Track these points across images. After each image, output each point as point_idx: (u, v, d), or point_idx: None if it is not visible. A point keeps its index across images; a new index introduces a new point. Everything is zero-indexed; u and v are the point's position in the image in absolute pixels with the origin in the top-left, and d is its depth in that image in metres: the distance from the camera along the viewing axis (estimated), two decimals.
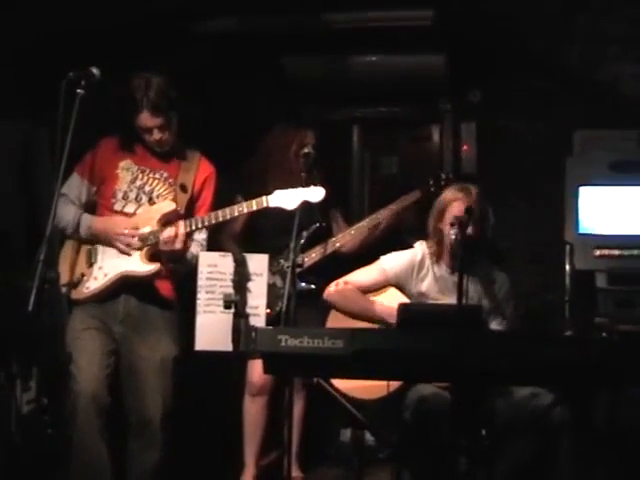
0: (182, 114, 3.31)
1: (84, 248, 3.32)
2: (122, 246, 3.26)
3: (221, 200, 3.44)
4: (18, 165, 3.93)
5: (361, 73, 4.42)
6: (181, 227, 3.20)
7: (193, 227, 3.24)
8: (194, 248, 3.33)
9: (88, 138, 3.24)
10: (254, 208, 3.22)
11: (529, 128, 4.38)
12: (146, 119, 3.23)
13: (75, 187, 3.33)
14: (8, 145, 3.88)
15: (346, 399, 3.13)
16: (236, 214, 3.25)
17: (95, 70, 3.01)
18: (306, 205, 3.17)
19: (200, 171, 3.40)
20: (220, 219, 3.25)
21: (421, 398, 3.03)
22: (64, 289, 3.26)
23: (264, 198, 3.20)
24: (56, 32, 3.78)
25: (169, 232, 3.19)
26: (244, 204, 3.23)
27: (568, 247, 4.00)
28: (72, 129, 2.90)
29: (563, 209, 4.02)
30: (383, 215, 3.85)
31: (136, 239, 3.24)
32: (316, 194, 3.18)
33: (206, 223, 3.26)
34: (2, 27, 3.64)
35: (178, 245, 3.19)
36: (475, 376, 2.52)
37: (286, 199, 3.17)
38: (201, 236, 3.36)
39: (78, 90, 2.96)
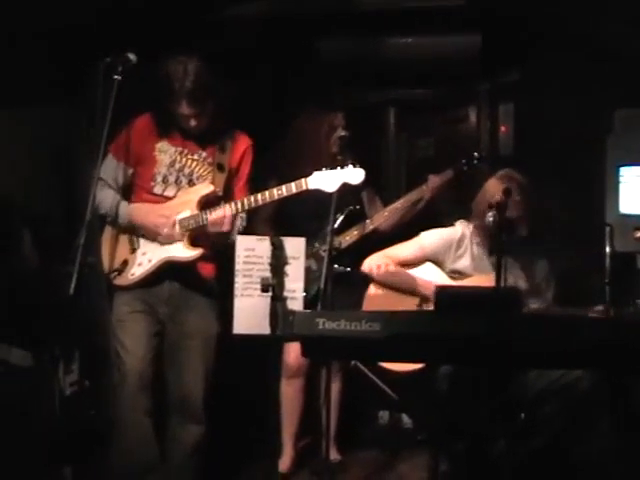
0: (218, 96, 3.28)
1: (125, 233, 3.34)
2: (163, 240, 3.26)
3: (255, 183, 3.45)
4: (55, 150, 3.98)
5: (396, 55, 4.38)
6: (228, 209, 3.19)
7: (239, 209, 3.23)
8: (235, 222, 3.32)
9: (121, 117, 3.23)
10: (294, 190, 3.19)
11: (568, 108, 4.32)
12: (183, 108, 3.21)
13: (111, 169, 3.32)
14: (45, 130, 3.92)
15: (382, 372, 3.13)
16: (276, 197, 3.21)
17: (132, 55, 3.03)
18: (345, 187, 3.14)
19: (236, 146, 3.38)
20: (260, 202, 3.22)
21: (454, 372, 3.02)
22: (109, 275, 3.28)
23: (303, 180, 3.17)
24: (90, 15, 3.79)
25: (217, 214, 3.19)
26: (284, 187, 3.20)
27: (608, 229, 3.94)
28: (109, 114, 2.92)
29: (603, 190, 3.96)
30: (417, 195, 3.83)
31: (177, 228, 3.24)
32: (356, 175, 3.15)
33: (252, 205, 3.23)
34: (35, 11, 3.66)
35: (226, 227, 3.19)
36: (512, 359, 2.51)
37: (325, 181, 3.14)
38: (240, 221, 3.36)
39: (115, 76, 2.98)
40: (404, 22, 4.24)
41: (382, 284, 3.41)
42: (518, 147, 4.41)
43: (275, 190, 3.21)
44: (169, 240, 3.25)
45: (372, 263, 3.44)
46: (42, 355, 3.34)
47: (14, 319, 3.38)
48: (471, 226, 3.41)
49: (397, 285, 3.36)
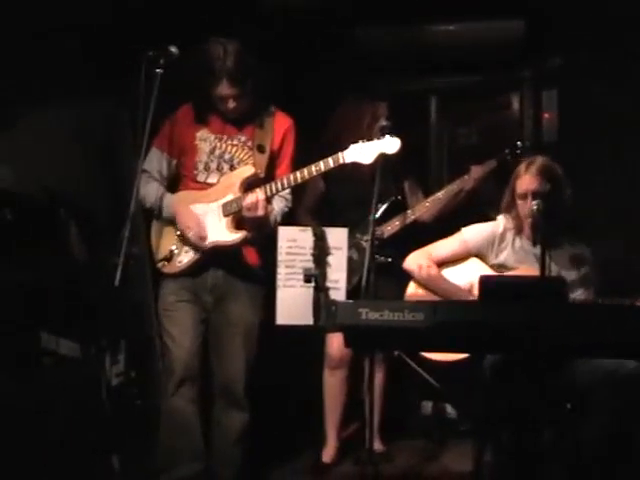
0: (258, 78, 3.26)
1: (171, 224, 3.34)
2: (196, 241, 3.27)
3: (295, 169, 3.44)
4: (100, 144, 4.02)
5: (438, 42, 4.35)
6: (260, 194, 3.19)
7: (273, 191, 3.22)
8: (277, 204, 3.32)
9: (164, 109, 3.25)
10: (331, 165, 3.15)
11: (613, 93, 4.23)
12: (223, 88, 3.20)
13: (155, 161, 3.36)
14: (91, 126, 3.97)
15: (425, 363, 3.11)
16: (314, 173, 3.18)
17: (174, 49, 3.04)
18: (383, 161, 3.10)
19: (277, 127, 3.36)
20: (299, 180, 3.20)
21: (498, 360, 3.00)
22: (158, 264, 3.31)
23: (340, 154, 3.14)
24: (133, 9, 3.82)
25: (250, 199, 3.18)
26: (320, 162, 3.16)
27: None
28: (153, 108, 2.94)
29: None
30: (458, 185, 3.80)
31: (220, 214, 3.25)
32: (392, 145, 3.12)
33: (285, 186, 3.22)
34: (79, 5, 3.70)
35: (260, 212, 3.18)
36: (557, 349, 2.48)
37: (362, 153, 3.11)
38: (285, 191, 3.32)
39: (157, 70, 3.00)
40: (446, 8, 4.20)
41: (422, 285, 3.38)
42: (562, 133, 4.34)
43: (313, 166, 3.18)
44: (201, 243, 3.25)
45: (414, 262, 3.41)
46: (89, 346, 3.40)
47: (63, 311, 3.44)
48: (511, 218, 3.36)
49: (437, 291, 3.34)
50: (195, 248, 3.28)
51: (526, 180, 3.27)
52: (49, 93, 3.74)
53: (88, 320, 3.40)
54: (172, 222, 3.33)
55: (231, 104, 3.25)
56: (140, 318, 3.35)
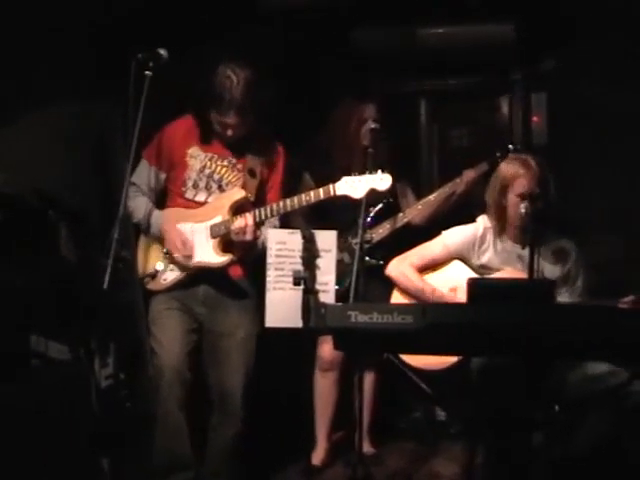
0: (260, 106, 3.27)
1: (159, 240, 3.36)
2: (182, 260, 3.29)
3: (288, 177, 3.45)
4: (92, 147, 4.01)
5: (428, 45, 4.35)
6: (249, 218, 3.20)
7: (262, 217, 3.24)
8: (266, 229, 3.33)
9: (153, 117, 3.25)
10: (321, 197, 3.19)
11: (606, 95, 4.24)
12: (228, 117, 3.22)
13: (144, 175, 3.37)
14: (84, 128, 3.96)
15: (414, 371, 3.12)
16: (304, 204, 3.22)
17: (163, 51, 3.04)
18: (372, 193, 3.13)
19: (268, 153, 3.39)
20: (288, 208, 3.23)
21: (484, 363, 3.00)
22: (143, 280, 3.33)
23: (331, 186, 3.17)
24: (132, 9, 3.81)
25: (239, 223, 3.20)
26: (311, 193, 3.20)
27: None
28: (142, 111, 2.94)
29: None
30: (451, 188, 3.80)
31: (207, 235, 3.26)
32: (384, 182, 3.14)
33: (275, 213, 3.25)
34: (72, 7, 3.69)
35: (249, 236, 3.19)
36: (546, 350, 2.49)
37: (353, 187, 3.13)
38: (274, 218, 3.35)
39: (146, 72, 3.00)
40: (436, 11, 4.21)
41: (405, 292, 3.38)
42: (552, 136, 4.35)
43: (303, 196, 3.21)
44: (185, 263, 3.27)
45: (396, 269, 3.41)
46: (79, 348, 3.39)
47: (52, 313, 3.43)
48: (492, 219, 3.35)
49: (412, 293, 3.34)
50: (181, 267, 3.30)
51: (528, 181, 3.25)
52: (40, 94, 3.73)
53: (77, 322, 3.38)
54: (159, 239, 3.35)
55: (230, 132, 3.27)
56: (130, 321, 3.34)
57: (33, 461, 3.03)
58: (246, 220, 3.20)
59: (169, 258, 3.32)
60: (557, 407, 2.90)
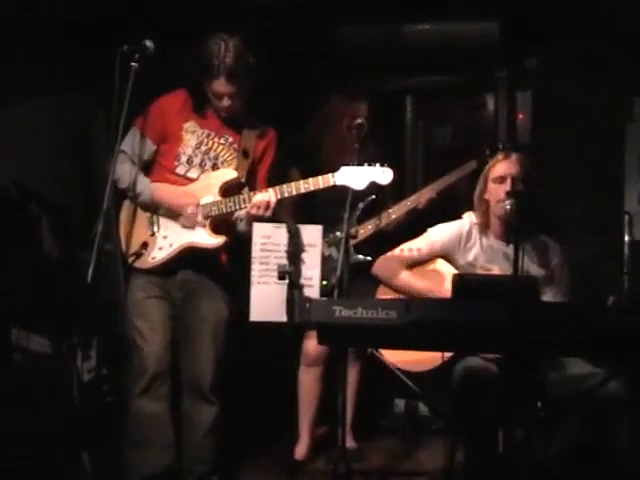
0: (254, 79, 3.21)
1: (144, 214, 3.28)
2: (187, 223, 3.22)
3: (275, 173, 3.43)
4: (76, 138, 3.99)
5: (413, 42, 4.36)
6: (272, 195, 3.12)
7: (284, 194, 3.15)
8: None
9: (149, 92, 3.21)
10: (320, 186, 3.12)
11: (587, 95, 4.27)
12: (220, 85, 3.15)
13: (136, 144, 3.25)
14: (66, 118, 3.94)
15: (398, 371, 3.12)
16: (302, 191, 3.14)
17: (149, 43, 3.02)
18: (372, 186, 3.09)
19: (262, 135, 3.34)
20: (285, 194, 3.15)
21: (467, 369, 3.01)
22: (129, 258, 3.24)
23: (330, 176, 3.10)
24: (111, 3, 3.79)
25: (262, 197, 3.11)
26: (310, 180, 3.13)
27: (627, 217, 3.91)
28: (127, 102, 2.92)
29: (623, 178, 3.93)
30: (439, 186, 3.81)
31: (200, 217, 3.20)
32: (385, 176, 3.09)
33: (294, 192, 3.14)
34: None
35: (269, 212, 3.11)
36: (529, 347, 2.50)
37: (354, 177, 3.07)
38: None
39: (132, 63, 2.98)
40: (421, 8, 4.21)
41: (391, 289, 3.38)
42: (537, 134, 4.37)
43: (302, 183, 3.14)
44: (191, 222, 3.21)
45: (382, 268, 3.40)
46: (61, 342, 3.37)
47: (33, 306, 3.40)
48: (478, 216, 3.35)
49: (399, 289, 3.34)
50: (169, 245, 3.25)
51: (504, 165, 3.25)
52: (22, 86, 3.70)
53: (60, 316, 3.37)
54: (147, 210, 3.27)
55: (226, 102, 3.20)
56: (112, 315, 3.32)
57: (14, 455, 3.01)
58: (270, 195, 3.11)
59: (163, 222, 3.23)
60: (539, 404, 2.91)
